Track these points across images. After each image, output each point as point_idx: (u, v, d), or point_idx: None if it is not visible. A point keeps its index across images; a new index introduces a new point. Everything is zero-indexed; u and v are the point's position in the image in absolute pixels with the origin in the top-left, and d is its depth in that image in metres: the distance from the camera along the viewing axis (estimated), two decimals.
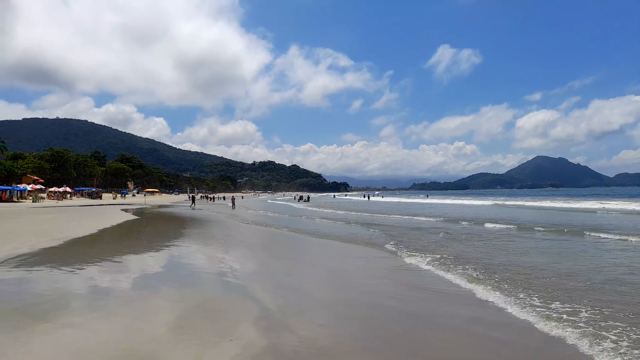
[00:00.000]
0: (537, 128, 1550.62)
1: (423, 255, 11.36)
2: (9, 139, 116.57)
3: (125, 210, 35.29)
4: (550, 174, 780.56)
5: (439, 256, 11.09)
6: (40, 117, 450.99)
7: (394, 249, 12.81)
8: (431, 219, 25.08)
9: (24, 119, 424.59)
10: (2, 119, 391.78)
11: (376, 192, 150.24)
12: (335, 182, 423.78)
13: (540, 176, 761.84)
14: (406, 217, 27.75)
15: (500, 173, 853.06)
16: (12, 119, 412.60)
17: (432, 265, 9.92)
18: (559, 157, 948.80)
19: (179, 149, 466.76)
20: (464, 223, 21.92)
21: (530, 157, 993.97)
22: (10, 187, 47.27)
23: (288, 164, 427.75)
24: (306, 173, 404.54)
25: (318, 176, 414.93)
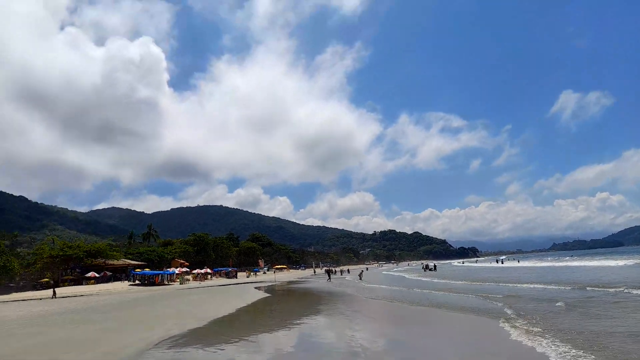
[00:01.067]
0: None
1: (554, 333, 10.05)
2: (160, 228, 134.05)
3: (258, 288, 37.22)
4: None
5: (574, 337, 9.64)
6: (185, 206, 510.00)
7: (518, 325, 11.45)
8: (567, 287, 21.79)
9: (171, 209, 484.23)
10: (155, 211, 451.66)
11: (502, 257, 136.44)
12: (462, 247, 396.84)
13: None
14: (543, 285, 24.67)
15: None
16: (163, 210, 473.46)
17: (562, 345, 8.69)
18: None
19: (302, 224, 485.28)
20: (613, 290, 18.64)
21: None
22: (162, 272, 53.56)
23: (409, 232, 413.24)
24: (429, 240, 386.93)
25: (443, 242, 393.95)
